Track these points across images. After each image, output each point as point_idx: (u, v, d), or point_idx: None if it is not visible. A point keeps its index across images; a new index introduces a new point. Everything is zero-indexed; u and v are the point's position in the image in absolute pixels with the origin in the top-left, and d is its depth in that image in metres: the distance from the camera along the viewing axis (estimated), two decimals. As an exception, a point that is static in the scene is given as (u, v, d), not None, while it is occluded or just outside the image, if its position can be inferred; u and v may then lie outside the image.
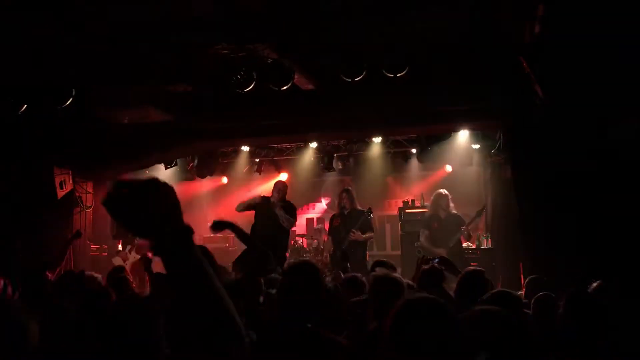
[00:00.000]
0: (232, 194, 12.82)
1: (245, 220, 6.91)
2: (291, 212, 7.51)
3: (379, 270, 4.00)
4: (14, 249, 7.32)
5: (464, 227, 7.99)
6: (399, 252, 10.29)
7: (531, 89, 5.71)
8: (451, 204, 8.27)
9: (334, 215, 8.15)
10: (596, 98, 5.64)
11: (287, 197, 7.68)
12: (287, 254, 8.22)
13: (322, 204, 12.44)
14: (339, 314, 3.83)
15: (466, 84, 6.79)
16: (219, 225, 4.13)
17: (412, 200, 10.32)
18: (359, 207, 7.97)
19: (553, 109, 6.02)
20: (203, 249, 3.83)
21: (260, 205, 7.50)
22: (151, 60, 6.51)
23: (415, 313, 1.83)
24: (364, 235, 7.73)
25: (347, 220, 7.85)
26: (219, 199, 12.65)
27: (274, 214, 7.36)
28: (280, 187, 7.64)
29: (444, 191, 8.43)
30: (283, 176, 11.81)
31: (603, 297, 3.34)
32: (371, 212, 7.93)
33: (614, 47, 5.13)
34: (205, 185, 12.73)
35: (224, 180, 12.40)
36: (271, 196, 7.52)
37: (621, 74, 5.33)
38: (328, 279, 5.68)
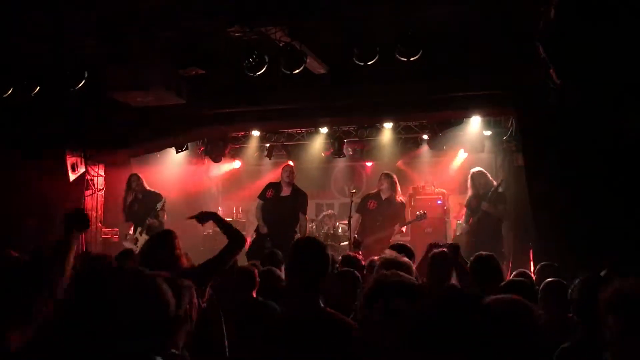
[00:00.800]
0: (242, 178, 12.87)
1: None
2: (304, 202, 7.82)
3: (389, 253, 3.98)
4: (26, 231, 7.39)
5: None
6: (409, 238, 10.31)
7: (546, 75, 5.64)
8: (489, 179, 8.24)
9: (369, 196, 8.04)
10: (613, 84, 5.57)
11: (297, 183, 7.76)
12: None
13: (332, 190, 12.42)
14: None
15: (480, 70, 6.73)
16: (204, 217, 4.25)
17: (423, 186, 10.31)
18: (400, 199, 7.87)
19: (568, 95, 5.96)
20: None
21: (269, 194, 7.80)
22: (164, 44, 6.52)
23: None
24: (403, 229, 7.74)
25: (385, 208, 7.76)
26: (230, 183, 12.70)
27: (284, 204, 7.65)
28: (288, 170, 7.82)
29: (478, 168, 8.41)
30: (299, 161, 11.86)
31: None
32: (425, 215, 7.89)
33: (630, 31, 5.06)
34: (216, 169, 12.78)
35: (237, 164, 12.39)
36: (280, 180, 7.62)
37: (638, 59, 5.26)
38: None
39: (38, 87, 6.90)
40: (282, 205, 7.86)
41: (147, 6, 5.76)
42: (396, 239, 7.79)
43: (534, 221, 7.26)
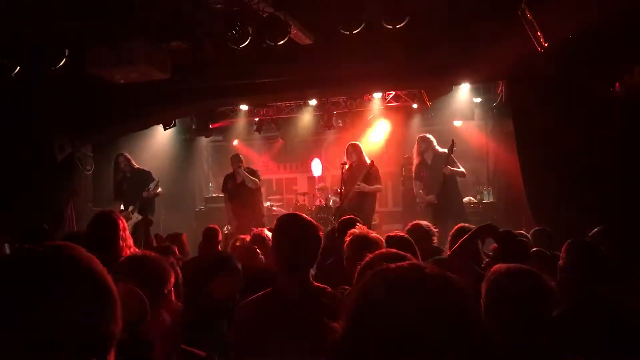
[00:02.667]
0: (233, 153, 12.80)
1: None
2: (255, 175, 8.84)
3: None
4: (13, 213, 7.32)
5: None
6: (400, 209, 10.31)
7: (534, 37, 5.56)
8: (436, 146, 7.97)
9: (343, 170, 8.06)
10: (604, 45, 5.50)
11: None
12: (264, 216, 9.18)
13: (324, 163, 12.37)
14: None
15: (467, 36, 6.63)
16: None
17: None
18: (367, 160, 7.87)
19: (556, 57, 5.89)
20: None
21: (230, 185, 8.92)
22: (144, 17, 6.37)
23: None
24: (370, 187, 7.68)
25: (352, 173, 7.81)
26: (219, 157, 12.64)
27: (242, 189, 8.72)
28: (235, 160, 8.90)
29: (426, 135, 8.14)
30: (287, 134, 11.79)
31: (602, 242, 3.29)
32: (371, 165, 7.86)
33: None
34: (205, 143, 12.71)
35: (235, 142, 12.33)
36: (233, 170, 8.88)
37: (631, 20, 5.19)
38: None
39: (18, 68, 6.76)
40: (240, 190, 8.74)
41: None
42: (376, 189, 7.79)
43: (524, 186, 7.26)
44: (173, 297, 2.26)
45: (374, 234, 3.32)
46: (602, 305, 2.54)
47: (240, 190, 8.76)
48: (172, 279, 2.25)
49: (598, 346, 2.30)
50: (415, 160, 8.17)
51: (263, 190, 12.59)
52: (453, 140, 7.74)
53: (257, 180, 8.84)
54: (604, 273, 2.90)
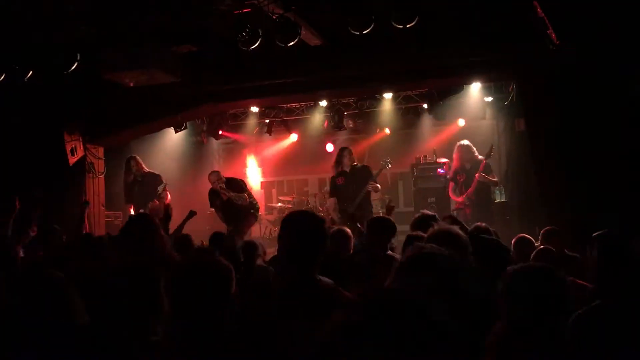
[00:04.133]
0: (245, 155, 12.86)
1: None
2: (241, 187, 8.44)
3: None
4: (28, 217, 7.37)
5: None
6: (412, 209, 10.26)
7: (545, 35, 5.51)
8: (475, 152, 8.26)
9: (334, 177, 8.07)
10: (616, 45, 5.45)
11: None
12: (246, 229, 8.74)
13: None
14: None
15: (478, 34, 6.58)
16: None
17: (425, 156, 10.24)
18: (358, 164, 7.98)
19: (568, 56, 5.84)
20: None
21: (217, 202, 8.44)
22: (155, 21, 6.39)
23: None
24: (378, 186, 7.77)
25: (353, 176, 7.80)
26: (231, 159, 12.69)
27: (231, 205, 8.29)
28: (214, 177, 8.43)
29: (468, 143, 8.38)
30: (293, 137, 11.78)
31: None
32: (389, 162, 7.96)
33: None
34: (216, 146, 12.76)
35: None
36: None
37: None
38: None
39: (31, 72, 6.81)
40: (230, 205, 8.34)
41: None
42: (378, 196, 7.91)
43: (537, 186, 7.20)
44: None
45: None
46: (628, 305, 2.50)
47: (229, 205, 8.37)
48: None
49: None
50: (455, 164, 8.44)
51: (274, 191, 12.64)
52: (492, 146, 7.97)
53: (244, 195, 8.43)
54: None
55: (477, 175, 7.89)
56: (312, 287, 2.48)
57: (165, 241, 3.43)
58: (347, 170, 7.90)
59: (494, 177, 8.10)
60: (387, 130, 11.13)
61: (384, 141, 11.34)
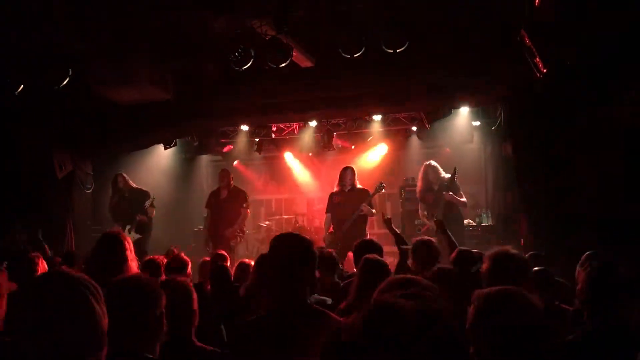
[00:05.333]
0: (234, 174, 12.83)
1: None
2: (243, 198, 8.59)
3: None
4: (14, 232, 7.32)
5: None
6: (399, 231, 10.28)
7: (532, 63, 5.64)
8: (442, 173, 8.19)
9: (333, 193, 8.09)
10: (600, 71, 5.57)
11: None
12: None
13: (323, 183, 12.40)
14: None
15: (467, 59, 6.71)
16: None
17: (413, 178, 10.30)
18: (358, 186, 7.97)
19: (555, 83, 5.96)
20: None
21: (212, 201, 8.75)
22: (148, 38, 6.45)
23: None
24: (373, 210, 7.75)
25: (350, 197, 7.82)
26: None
27: (225, 205, 8.52)
28: (223, 175, 8.69)
29: (433, 162, 8.36)
30: (288, 155, 11.85)
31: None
32: (383, 186, 8.00)
33: (616, 19, 5.06)
34: (205, 163, 12.75)
35: (235, 162, 12.38)
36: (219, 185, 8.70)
37: (625, 46, 5.26)
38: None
39: (22, 87, 6.82)
40: (222, 207, 8.55)
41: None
42: (377, 218, 7.86)
43: (523, 210, 7.27)
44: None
45: None
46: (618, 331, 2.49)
47: (222, 206, 8.54)
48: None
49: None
50: (420, 184, 8.38)
51: (262, 210, 12.61)
52: (455, 168, 7.93)
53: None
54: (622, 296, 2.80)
55: (445, 194, 7.81)
56: (301, 310, 2.49)
57: (132, 262, 3.35)
58: (346, 190, 7.92)
59: (462, 197, 7.99)
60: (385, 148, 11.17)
61: (372, 163, 11.42)
